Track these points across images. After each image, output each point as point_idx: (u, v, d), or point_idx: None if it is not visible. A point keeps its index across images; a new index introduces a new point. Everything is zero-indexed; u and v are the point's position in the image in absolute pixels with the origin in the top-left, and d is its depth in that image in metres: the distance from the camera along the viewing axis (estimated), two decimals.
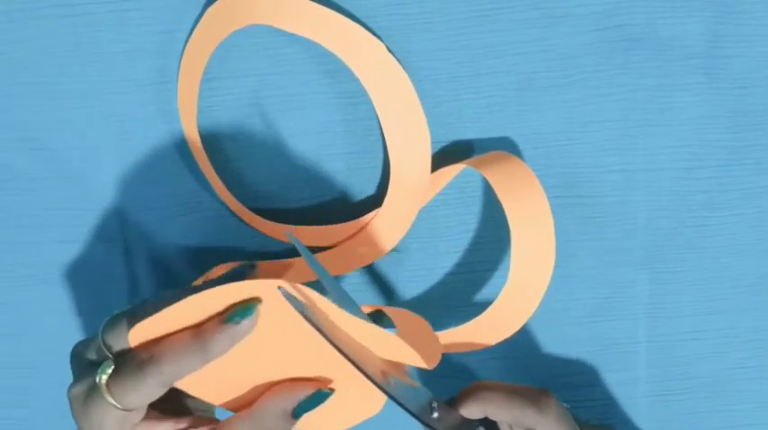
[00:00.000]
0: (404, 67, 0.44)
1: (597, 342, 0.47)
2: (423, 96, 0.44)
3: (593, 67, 0.45)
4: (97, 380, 0.36)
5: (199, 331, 0.36)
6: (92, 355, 0.37)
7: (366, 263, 0.46)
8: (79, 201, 0.46)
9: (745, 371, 0.47)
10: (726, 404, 0.48)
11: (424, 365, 0.38)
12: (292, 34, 0.44)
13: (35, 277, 0.47)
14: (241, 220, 0.46)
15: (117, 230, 0.46)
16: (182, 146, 0.45)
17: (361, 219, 0.45)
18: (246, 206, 0.45)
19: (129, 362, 0.36)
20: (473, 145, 0.45)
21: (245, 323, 0.35)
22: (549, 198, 0.42)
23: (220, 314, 0.36)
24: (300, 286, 0.35)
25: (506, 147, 0.45)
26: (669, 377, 0.47)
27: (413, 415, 0.38)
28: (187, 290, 0.36)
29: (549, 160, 0.45)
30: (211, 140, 0.45)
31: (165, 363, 0.35)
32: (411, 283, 0.47)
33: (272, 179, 0.46)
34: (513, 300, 0.42)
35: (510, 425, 0.40)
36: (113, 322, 0.37)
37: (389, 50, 0.43)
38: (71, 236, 0.46)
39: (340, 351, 0.35)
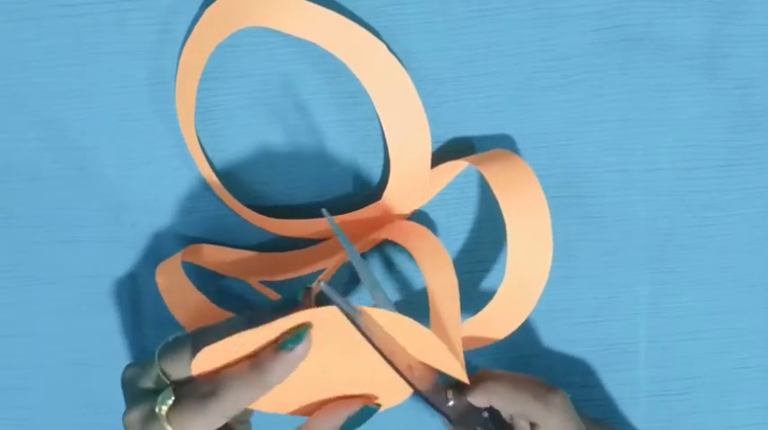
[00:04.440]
0: (404, 67, 0.44)
1: (598, 342, 0.47)
2: (423, 96, 0.44)
3: (593, 67, 0.45)
4: (157, 410, 0.36)
5: (256, 361, 0.36)
6: (147, 382, 0.38)
7: (363, 250, 0.46)
8: (79, 200, 0.46)
9: (746, 371, 0.47)
10: (726, 404, 0.48)
11: (462, 376, 0.39)
12: (290, 34, 0.44)
13: (35, 277, 0.47)
14: (241, 219, 0.46)
15: (117, 230, 0.46)
16: (182, 146, 0.45)
17: (356, 212, 0.45)
18: (245, 205, 0.45)
19: (191, 393, 0.36)
20: (473, 145, 0.45)
21: (299, 349, 0.36)
22: (548, 198, 0.42)
23: (275, 341, 0.36)
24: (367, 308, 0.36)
25: (506, 147, 0.45)
26: (669, 377, 0.47)
27: (430, 403, 0.39)
28: (244, 319, 0.37)
29: (549, 160, 0.45)
30: (211, 141, 0.45)
31: (226, 395, 0.36)
32: (411, 282, 0.47)
33: (272, 179, 0.46)
34: (511, 297, 0.42)
35: (511, 416, 0.40)
36: (170, 348, 0.37)
37: (390, 50, 0.43)
38: (71, 236, 0.46)
39: (371, 343, 0.36)
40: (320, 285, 0.35)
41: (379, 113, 0.44)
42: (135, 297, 0.47)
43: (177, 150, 0.45)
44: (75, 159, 0.45)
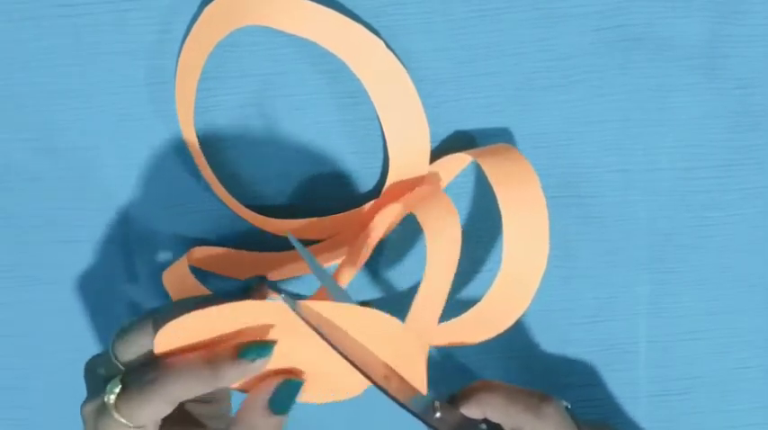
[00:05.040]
0: (404, 67, 0.44)
1: (598, 342, 0.47)
2: (423, 96, 0.44)
3: (593, 67, 0.45)
4: (106, 399, 0.36)
5: (212, 359, 0.36)
6: (102, 371, 0.37)
7: (358, 251, 0.45)
8: (79, 201, 0.46)
9: (746, 371, 0.47)
10: (726, 404, 0.48)
11: (420, 386, 0.38)
12: (290, 34, 0.44)
13: (35, 277, 0.47)
14: (240, 219, 0.46)
15: (117, 230, 0.46)
16: (181, 146, 0.45)
17: (356, 209, 0.45)
18: (245, 205, 0.45)
19: (137, 380, 0.36)
20: (473, 145, 0.45)
21: (260, 362, 0.36)
22: (548, 198, 0.42)
23: (235, 336, 0.36)
24: (310, 302, 0.35)
25: None
26: (669, 377, 0.47)
27: (415, 415, 0.38)
28: (203, 299, 0.36)
29: (549, 160, 0.45)
30: (211, 140, 0.45)
31: (173, 385, 0.35)
32: (405, 279, 0.47)
33: (271, 179, 0.46)
34: (507, 292, 0.42)
35: (512, 428, 0.40)
36: (122, 333, 0.37)
37: (389, 47, 0.43)
38: (71, 236, 0.46)
39: (343, 355, 0.35)
40: (282, 297, 0.34)
41: (377, 110, 0.44)
42: (135, 297, 0.47)
43: (177, 150, 0.45)
44: (75, 159, 0.46)
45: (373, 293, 0.47)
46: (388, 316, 0.36)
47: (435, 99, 0.45)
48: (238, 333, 0.36)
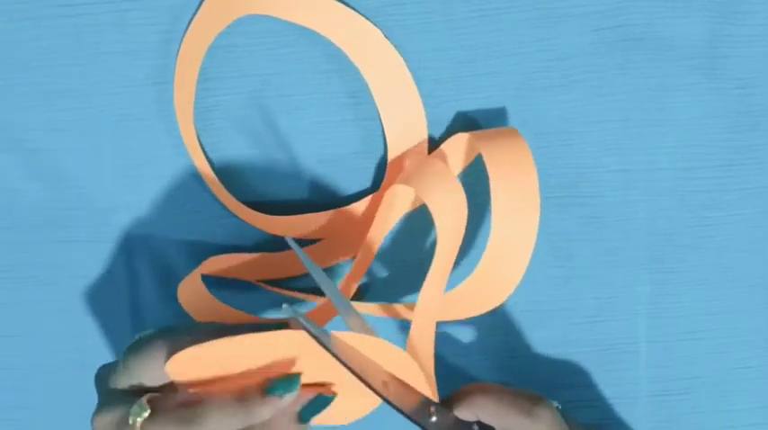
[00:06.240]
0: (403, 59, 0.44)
1: (598, 342, 0.47)
2: (423, 96, 0.44)
3: (593, 67, 0.45)
4: (131, 421, 0.35)
5: (243, 398, 0.36)
6: (119, 384, 0.37)
7: (356, 250, 0.46)
8: (79, 201, 0.46)
9: (746, 371, 0.47)
10: (726, 404, 0.48)
11: (428, 393, 0.39)
12: (290, 34, 0.44)
13: (35, 277, 0.47)
14: (240, 219, 0.46)
15: (117, 230, 0.46)
16: (181, 146, 0.45)
17: (353, 205, 0.45)
18: (244, 205, 0.45)
19: (170, 414, 0.35)
20: None
21: (288, 397, 0.36)
22: (548, 198, 0.42)
23: (262, 384, 0.36)
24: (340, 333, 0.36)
25: None
26: (669, 377, 0.47)
27: (411, 419, 0.38)
28: (225, 326, 0.37)
29: (549, 160, 0.45)
30: (211, 140, 0.45)
31: (208, 424, 0.35)
32: (399, 272, 0.47)
33: (271, 180, 0.46)
34: (495, 266, 0.41)
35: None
36: (138, 348, 0.37)
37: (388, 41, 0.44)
38: (71, 236, 0.46)
39: (343, 363, 0.36)
40: (284, 307, 0.35)
41: (375, 98, 0.44)
42: (135, 297, 0.47)
43: (177, 150, 0.45)
44: (74, 159, 0.45)
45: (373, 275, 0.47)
46: (396, 347, 0.37)
47: (435, 99, 0.45)
48: (257, 361, 0.36)
